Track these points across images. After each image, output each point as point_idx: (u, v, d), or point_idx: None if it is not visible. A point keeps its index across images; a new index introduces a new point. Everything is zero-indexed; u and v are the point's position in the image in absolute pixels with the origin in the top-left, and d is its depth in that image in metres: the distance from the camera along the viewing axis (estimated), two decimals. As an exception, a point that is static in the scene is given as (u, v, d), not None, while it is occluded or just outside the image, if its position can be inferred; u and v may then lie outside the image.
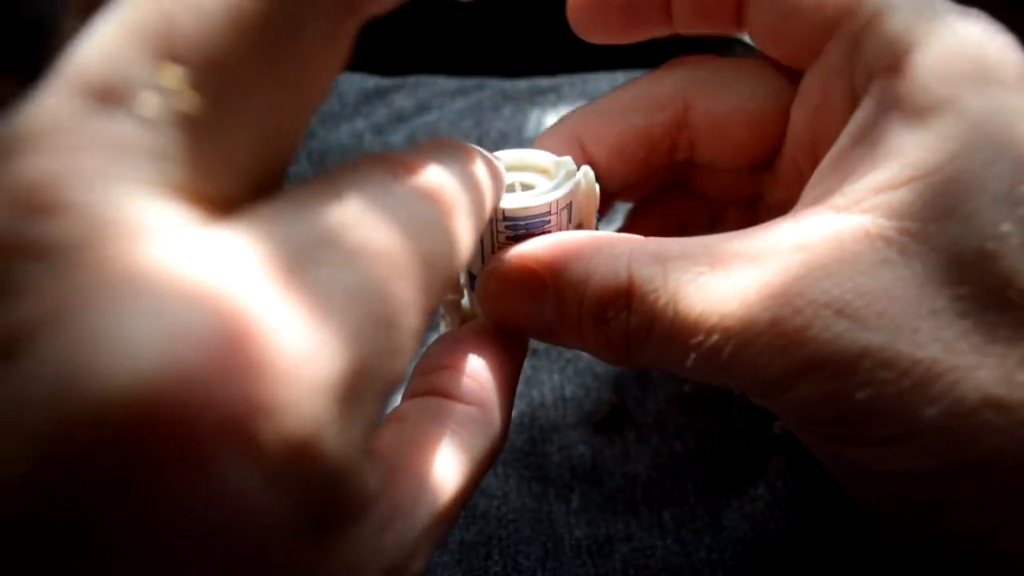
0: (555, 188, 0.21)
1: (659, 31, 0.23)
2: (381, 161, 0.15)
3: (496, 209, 0.20)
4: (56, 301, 0.10)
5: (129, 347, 0.10)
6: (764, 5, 0.21)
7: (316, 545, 0.12)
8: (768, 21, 0.21)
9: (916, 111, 0.17)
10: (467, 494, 0.17)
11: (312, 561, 0.12)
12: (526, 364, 0.33)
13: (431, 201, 0.15)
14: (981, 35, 0.18)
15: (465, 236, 0.16)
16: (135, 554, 0.10)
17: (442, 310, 0.25)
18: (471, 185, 0.16)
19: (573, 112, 0.24)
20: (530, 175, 0.23)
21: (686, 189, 0.26)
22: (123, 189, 0.11)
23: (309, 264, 0.12)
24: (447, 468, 0.16)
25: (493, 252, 0.21)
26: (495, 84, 0.44)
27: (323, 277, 0.12)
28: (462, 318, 0.25)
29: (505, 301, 0.20)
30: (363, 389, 0.12)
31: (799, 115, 0.21)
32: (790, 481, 0.26)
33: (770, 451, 0.27)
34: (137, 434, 0.10)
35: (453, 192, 0.15)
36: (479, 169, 0.17)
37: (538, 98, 0.42)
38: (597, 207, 0.23)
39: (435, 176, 0.15)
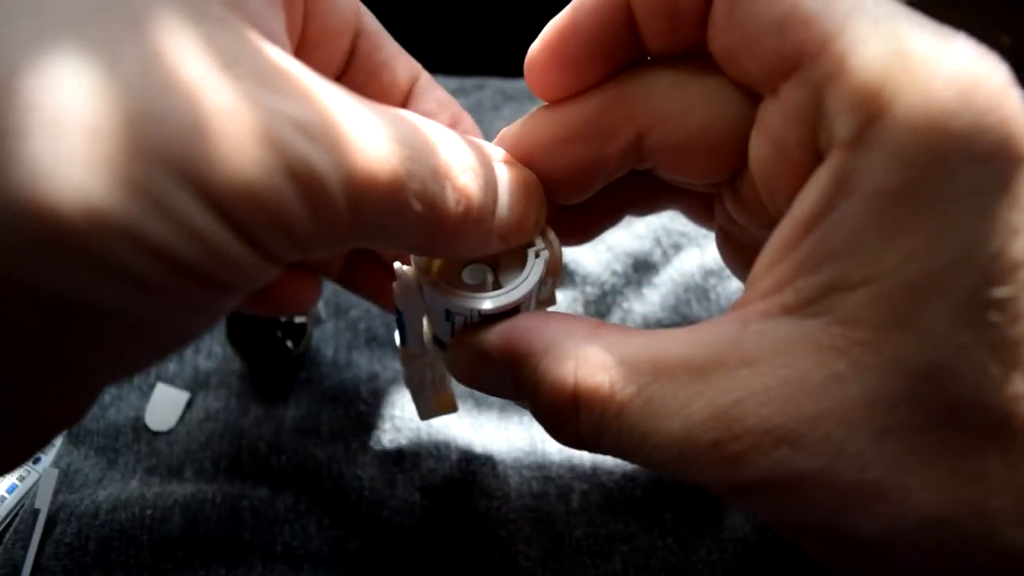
0: (528, 273, 0.21)
1: (629, 60, 0.21)
2: None
3: (472, 311, 0.20)
4: None
5: None
6: (721, 26, 0.18)
7: None
8: (725, 45, 0.19)
9: (877, 197, 0.16)
10: None
11: None
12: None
13: None
14: (959, 96, 0.15)
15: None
16: None
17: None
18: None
19: (516, 134, 0.22)
20: None
21: (639, 175, 0.24)
22: None
23: None
24: None
25: (465, 328, 0.21)
26: (495, 84, 0.44)
27: None
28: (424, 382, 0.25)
29: (475, 381, 0.21)
30: None
31: (757, 151, 0.19)
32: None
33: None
34: None
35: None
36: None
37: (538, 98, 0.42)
38: (561, 264, 0.22)
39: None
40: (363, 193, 0.15)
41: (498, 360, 0.20)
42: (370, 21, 0.24)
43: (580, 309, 0.34)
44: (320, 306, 0.34)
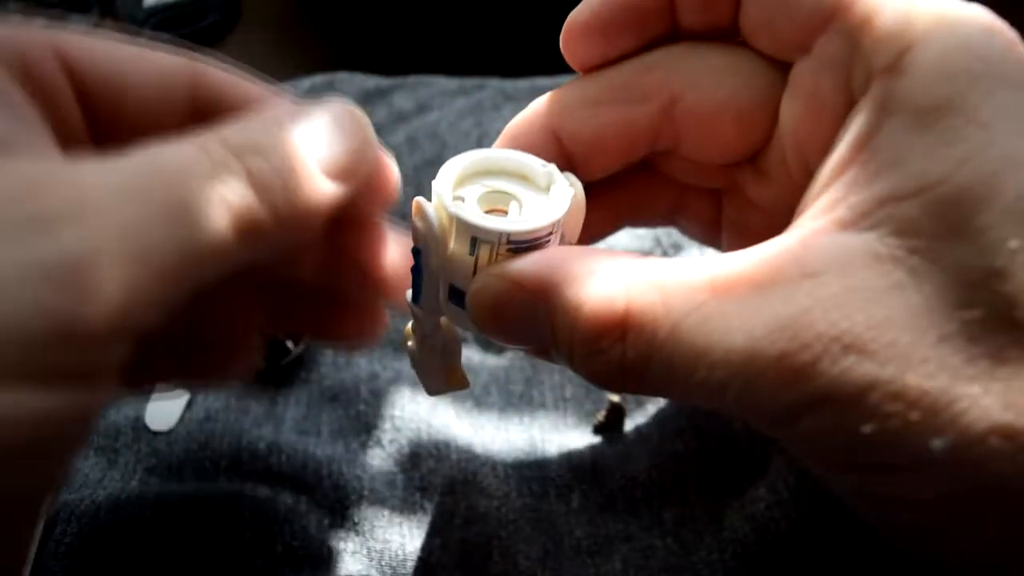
0: (555, 204, 0.20)
1: (662, 36, 0.21)
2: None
3: (500, 234, 0.19)
4: None
5: None
6: None
7: None
8: (761, 11, 0.20)
9: (920, 114, 0.17)
10: None
11: None
12: (526, 363, 0.33)
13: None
14: (986, 30, 0.17)
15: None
16: None
17: (408, 328, 0.24)
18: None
19: (547, 100, 0.22)
20: (510, 183, 0.21)
21: (650, 169, 0.25)
22: None
23: None
24: None
25: (489, 263, 0.20)
26: (495, 84, 0.44)
27: None
28: (424, 336, 0.24)
29: (497, 318, 0.20)
30: None
31: (789, 111, 0.20)
32: (791, 482, 0.26)
33: (771, 451, 0.27)
34: None
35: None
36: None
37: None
38: (582, 220, 0.22)
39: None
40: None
41: (532, 287, 0.19)
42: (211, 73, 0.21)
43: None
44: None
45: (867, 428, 0.16)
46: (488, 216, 0.20)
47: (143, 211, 0.14)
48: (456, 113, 0.43)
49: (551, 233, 0.20)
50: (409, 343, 0.25)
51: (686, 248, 0.35)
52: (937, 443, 0.15)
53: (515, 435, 0.30)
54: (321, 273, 0.25)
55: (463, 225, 0.19)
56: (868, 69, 0.18)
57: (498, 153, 0.22)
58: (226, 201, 0.16)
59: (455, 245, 0.20)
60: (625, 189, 0.25)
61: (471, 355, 0.34)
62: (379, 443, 0.30)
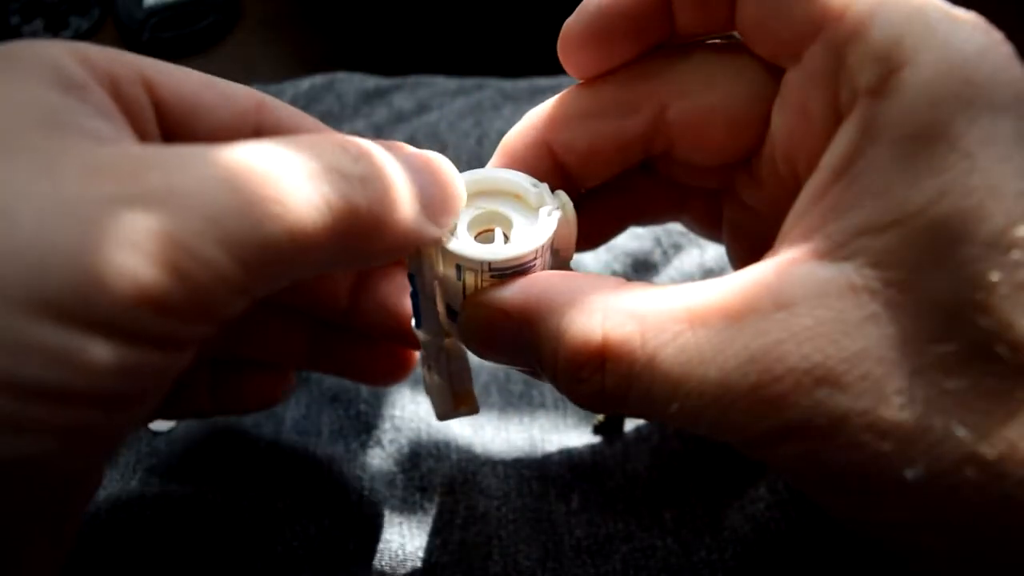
0: (540, 229, 0.20)
1: (659, 42, 0.21)
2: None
3: (482, 263, 0.19)
4: None
5: None
6: None
7: None
8: (754, 14, 0.19)
9: (903, 140, 0.16)
10: None
11: None
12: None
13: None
14: (979, 49, 0.16)
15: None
16: None
17: (422, 355, 0.25)
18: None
19: (540, 112, 0.23)
20: (503, 203, 0.22)
21: (650, 172, 0.25)
22: None
23: None
24: None
25: (476, 289, 0.20)
26: (495, 84, 0.44)
27: None
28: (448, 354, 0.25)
29: (487, 343, 0.20)
30: None
31: (780, 120, 0.20)
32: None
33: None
34: None
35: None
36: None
37: (538, 98, 0.42)
38: (575, 235, 0.22)
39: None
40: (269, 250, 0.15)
41: (515, 316, 0.19)
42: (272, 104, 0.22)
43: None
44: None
45: (839, 458, 0.16)
46: (471, 244, 0.20)
47: (233, 199, 0.15)
48: (456, 113, 0.43)
49: (536, 257, 0.20)
50: (418, 368, 0.25)
51: (686, 248, 0.35)
52: (910, 473, 0.16)
53: (515, 435, 0.30)
54: (351, 312, 0.26)
55: (447, 254, 0.20)
56: (854, 88, 0.17)
57: (490, 173, 0.22)
58: (327, 197, 0.16)
59: (444, 269, 0.21)
60: (627, 192, 0.25)
61: (470, 355, 0.34)
62: (379, 443, 0.30)
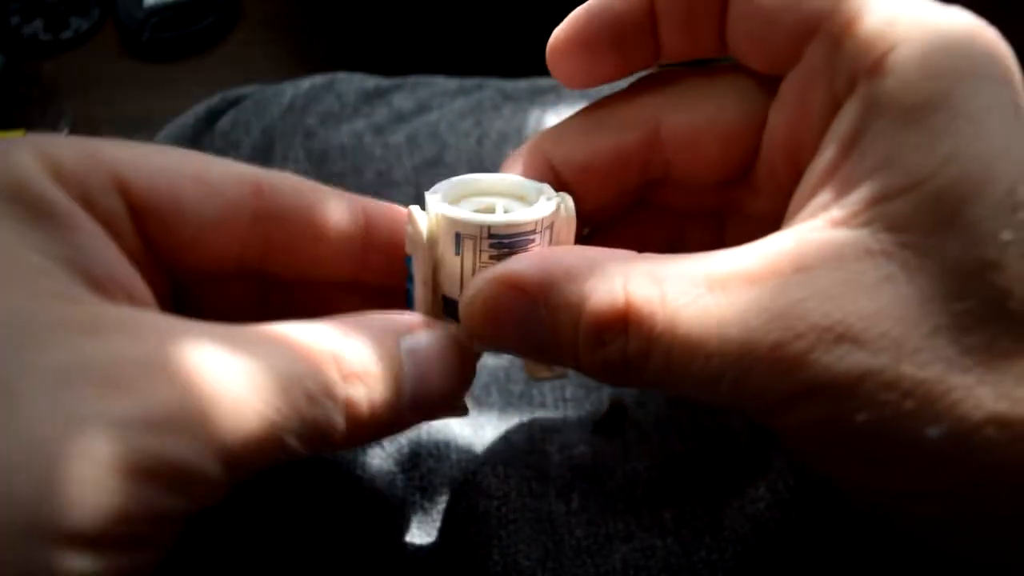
0: (540, 207, 0.21)
1: (646, 62, 0.22)
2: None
3: (481, 227, 0.19)
4: None
5: None
6: (744, 11, 0.20)
7: None
8: (748, 28, 0.20)
9: (906, 112, 0.17)
10: None
11: None
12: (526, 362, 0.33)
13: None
14: (968, 31, 0.17)
15: None
16: None
17: None
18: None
19: (541, 134, 0.24)
20: (508, 201, 0.22)
21: (648, 203, 0.25)
22: None
23: None
24: None
25: (474, 272, 0.20)
26: (495, 84, 0.44)
27: None
28: None
29: (493, 323, 0.20)
30: None
31: (777, 120, 0.21)
32: (791, 481, 0.26)
33: (771, 451, 0.27)
34: None
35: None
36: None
37: (538, 98, 0.42)
38: (575, 234, 0.22)
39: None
40: (238, 456, 0.16)
41: (531, 287, 0.19)
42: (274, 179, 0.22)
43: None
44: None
45: (861, 416, 0.16)
46: (471, 213, 0.20)
47: (182, 417, 0.15)
48: (456, 113, 0.43)
49: (535, 232, 0.20)
50: None
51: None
52: (932, 432, 0.16)
53: (515, 435, 0.30)
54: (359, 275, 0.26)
55: (446, 221, 0.20)
56: (852, 71, 0.18)
57: (493, 175, 0.22)
58: (290, 424, 0.16)
59: (443, 248, 0.20)
60: (624, 229, 0.25)
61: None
62: (379, 443, 0.30)
